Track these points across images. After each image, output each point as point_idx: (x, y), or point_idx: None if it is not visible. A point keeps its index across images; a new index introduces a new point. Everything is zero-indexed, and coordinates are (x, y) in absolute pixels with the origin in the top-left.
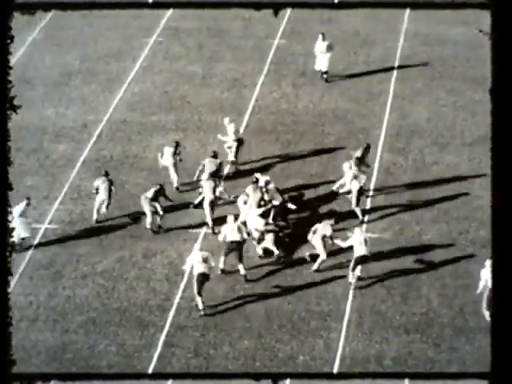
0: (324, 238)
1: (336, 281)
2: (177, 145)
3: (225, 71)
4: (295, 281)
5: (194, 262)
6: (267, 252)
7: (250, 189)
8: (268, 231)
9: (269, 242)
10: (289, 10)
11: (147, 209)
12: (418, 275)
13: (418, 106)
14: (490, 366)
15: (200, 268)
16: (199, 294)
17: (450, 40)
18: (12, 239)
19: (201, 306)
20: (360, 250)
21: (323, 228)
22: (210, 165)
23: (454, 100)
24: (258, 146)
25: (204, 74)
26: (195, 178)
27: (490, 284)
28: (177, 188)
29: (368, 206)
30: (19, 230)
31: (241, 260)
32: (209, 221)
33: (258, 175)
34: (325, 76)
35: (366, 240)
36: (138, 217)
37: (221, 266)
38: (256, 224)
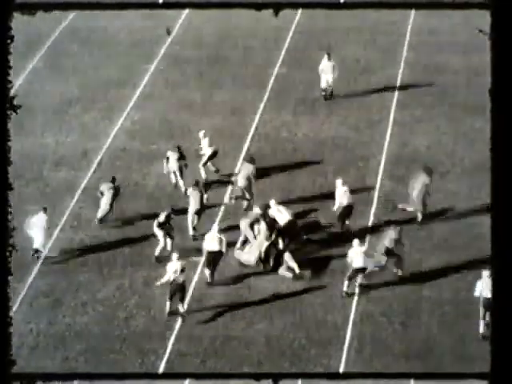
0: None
1: (336, 308)
2: (179, 149)
3: (225, 99)
4: (295, 308)
5: (172, 271)
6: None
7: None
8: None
9: (289, 260)
10: (288, 38)
11: (160, 234)
12: (418, 303)
13: (418, 134)
14: (490, 366)
15: (177, 278)
16: (170, 299)
17: (450, 68)
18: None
19: (168, 310)
20: (357, 262)
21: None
22: (244, 169)
23: (454, 128)
24: (258, 173)
25: (204, 102)
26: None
27: (485, 294)
28: (185, 192)
29: (368, 233)
30: (35, 240)
31: (214, 269)
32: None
33: (271, 203)
34: (330, 92)
35: (363, 252)
36: (138, 244)
37: (208, 278)
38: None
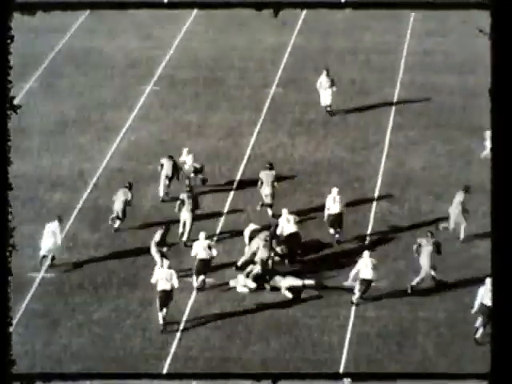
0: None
1: (332, 329)
2: (172, 158)
3: (221, 120)
4: (291, 329)
5: (160, 279)
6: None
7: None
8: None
9: (293, 281)
10: (284, 59)
11: (157, 255)
12: (414, 324)
13: (414, 155)
14: (490, 366)
15: (163, 285)
16: (161, 309)
17: (446, 89)
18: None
19: (161, 322)
20: (365, 273)
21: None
22: (267, 176)
23: (450, 149)
24: (254, 194)
25: (200, 123)
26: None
27: (487, 302)
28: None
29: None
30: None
31: (205, 275)
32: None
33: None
34: (328, 109)
35: (373, 264)
36: (134, 265)
37: (195, 284)
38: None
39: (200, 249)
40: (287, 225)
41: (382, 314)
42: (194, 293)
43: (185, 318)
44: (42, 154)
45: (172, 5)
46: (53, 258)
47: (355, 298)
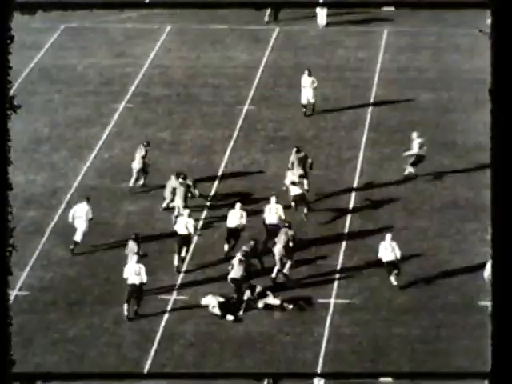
0: None
1: (306, 346)
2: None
3: (194, 137)
4: (265, 346)
5: (129, 274)
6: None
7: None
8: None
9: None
10: (257, 76)
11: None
12: (388, 341)
13: (388, 171)
14: (490, 366)
15: (132, 279)
16: (127, 302)
17: (420, 105)
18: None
19: (125, 313)
20: (386, 256)
21: None
22: (297, 159)
23: (424, 165)
24: (227, 212)
25: (173, 141)
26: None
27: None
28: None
29: (338, 272)
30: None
31: (186, 253)
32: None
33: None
34: (311, 107)
35: (393, 246)
36: (108, 282)
37: (175, 263)
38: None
39: (180, 225)
40: (268, 215)
41: (356, 331)
42: (168, 310)
43: (159, 336)
44: (15, 171)
45: (172, 5)
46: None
47: (393, 280)
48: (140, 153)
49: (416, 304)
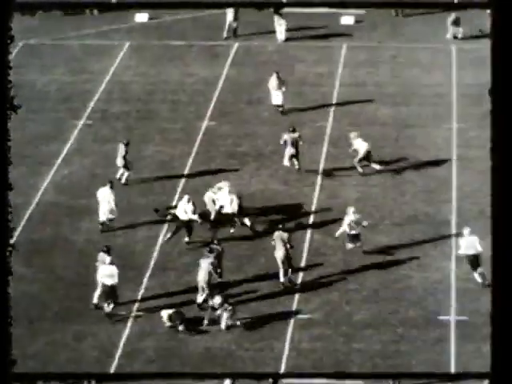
0: None
1: (266, 362)
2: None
3: (153, 154)
4: (226, 361)
5: (103, 275)
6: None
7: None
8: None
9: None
10: (217, 92)
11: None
12: (348, 356)
13: (347, 186)
14: (490, 366)
15: (105, 281)
16: (105, 300)
17: (378, 120)
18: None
19: (94, 301)
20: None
21: None
22: (290, 138)
23: (383, 180)
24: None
25: (133, 157)
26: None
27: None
28: (119, 179)
29: (298, 286)
30: (104, 212)
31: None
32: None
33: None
34: (280, 109)
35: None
36: (68, 299)
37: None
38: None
39: (180, 210)
40: (228, 205)
41: (316, 346)
42: (128, 325)
43: (119, 351)
44: None
45: (173, 5)
46: (110, 220)
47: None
48: (121, 152)
49: (376, 319)
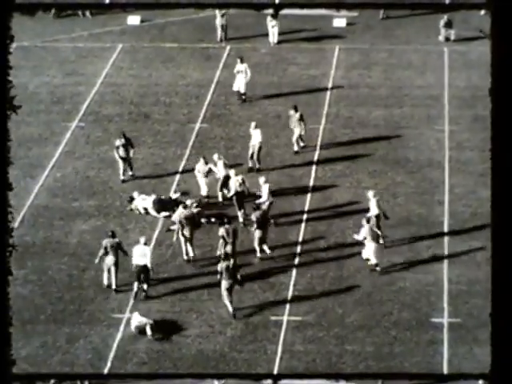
0: None
1: (259, 364)
2: (124, 137)
3: (146, 156)
4: (218, 364)
5: (136, 255)
6: None
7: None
8: None
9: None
10: (209, 94)
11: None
12: (342, 358)
13: (340, 189)
14: (490, 366)
15: (138, 261)
16: (138, 281)
17: (371, 122)
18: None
19: (135, 290)
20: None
21: None
22: (292, 117)
23: (376, 182)
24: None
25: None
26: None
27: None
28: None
29: (290, 289)
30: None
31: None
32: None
33: None
34: (243, 97)
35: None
36: (61, 301)
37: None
38: None
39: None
40: (234, 185)
41: (309, 348)
42: (121, 329)
43: (112, 354)
44: None
45: (173, 5)
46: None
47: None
48: (120, 142)
49: (369, 321)
